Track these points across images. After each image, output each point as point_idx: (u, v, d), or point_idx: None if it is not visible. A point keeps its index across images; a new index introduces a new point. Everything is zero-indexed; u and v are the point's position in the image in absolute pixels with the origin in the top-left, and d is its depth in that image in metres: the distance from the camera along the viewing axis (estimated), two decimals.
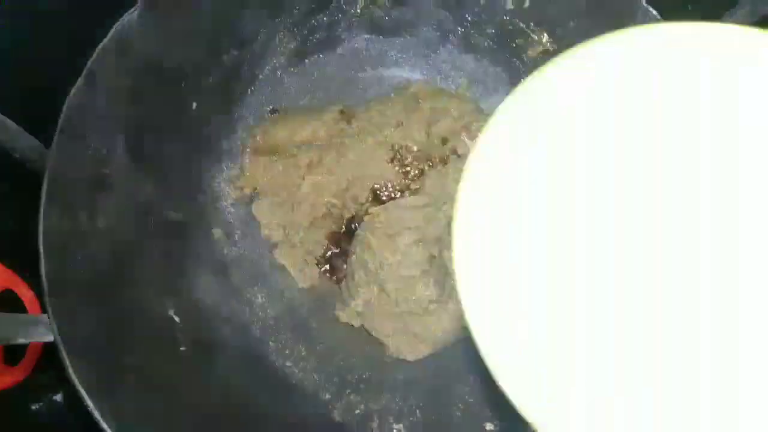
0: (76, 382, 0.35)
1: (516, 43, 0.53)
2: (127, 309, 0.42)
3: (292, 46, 0.53)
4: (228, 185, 0.52)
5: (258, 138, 0.52)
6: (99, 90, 0.42)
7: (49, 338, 0.36)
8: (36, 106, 0.41)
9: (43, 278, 0.36)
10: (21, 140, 0.40)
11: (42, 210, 0.38)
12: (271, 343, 0.49)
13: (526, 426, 0.45)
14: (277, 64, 0.53)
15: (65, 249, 0.39)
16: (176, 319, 0.45)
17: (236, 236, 0.52)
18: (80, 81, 0.41)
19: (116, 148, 0.44)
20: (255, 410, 0.45)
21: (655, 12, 0.45)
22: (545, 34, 0.51)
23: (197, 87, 0.49)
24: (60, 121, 0.40)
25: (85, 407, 0.35)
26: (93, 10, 0.43)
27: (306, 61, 0.54)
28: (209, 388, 0.44)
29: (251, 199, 0.52)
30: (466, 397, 0.48)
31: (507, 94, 0.54)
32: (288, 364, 0.49)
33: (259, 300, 0.50)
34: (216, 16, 0.48)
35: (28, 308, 0.52)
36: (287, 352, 0.49)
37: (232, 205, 0.52)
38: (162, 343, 0.43)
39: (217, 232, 0.51)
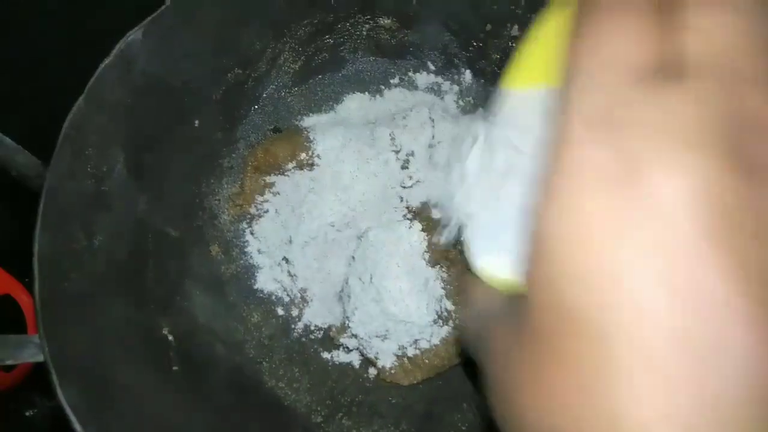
0: (65, 404, 0.35)
1: None
2: (120, 328, 0.42)
3: (297, 66, 0.53)
4: (227, 202, 0.52)
5: (259, 156, 0.51)
6: (100, 107, 0.42)
7: (39, 359, 0.36)
8: (36, 124, 0.42)
9: (36, 299, 0.37)
10: (19, 158, 0.40)
11: (37, 229, 0.38)
12: (264, 363, 0.49)
13: None
14: (281, 84, 0.53)
15: (60, 268, 0.39)
16: (170, 338, 0.45)
17: (234, 254, 0.51)
18: (81, 99, 0.41)
19: (116, 165, 0.44)
20: (247, 430, 0.45)
21: None
22: None
23: (200, 105, 0.49)
24: (60, 139, 0.40)
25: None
26: (97, 28, 0.43)
27: (310, 81, 0.54)
28: (200, 408, 0.43)
29: (251, 217, 0.52)
30: (459, 424, 0.48)
31: None
32: (281, 385, 0.49)
33: (255, 319, 0.50)
34: (221, 35, 0.48)
35: (25, 313, 0.53)
36: (281, 372, 0.49)
37: (230, 222, 0.52)
38: (154, 363, 0.43)
39: (215, 249, 0.51)
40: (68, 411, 0.35)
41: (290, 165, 0.51)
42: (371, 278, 0.48)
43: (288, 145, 0.51)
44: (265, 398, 0.48)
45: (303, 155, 0.51)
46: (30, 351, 0.36)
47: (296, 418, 0.48)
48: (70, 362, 0.37)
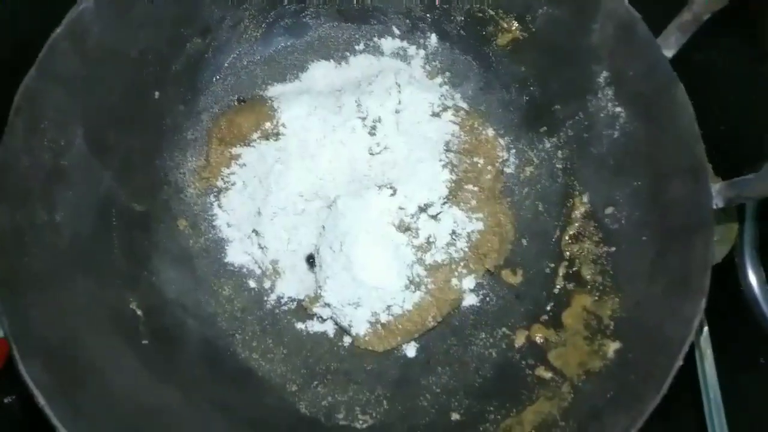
0: (28, 379, 0.34)
1: (486, 31, 0.52)
2: (86, 304, 0.41)
3: (258, 34, 0.52)
4: (193, 176, 0.51)
5: (223, 127, 0.51)
6: (53, 79, 0.41)
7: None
8: None
9: None
10: None
11: None
12: (237, 335, 0.49)
13: (491, 415, 0.45)
14: (243, 52, 0.52)
15: (20, 243, 0.38)
16: (138, 312, 0.45)
17: (202, 227, 0.51)
18: (32, 70, 0.40)
19: (74, 139, 0.43)
20: (220, 404, 0.45)
21: None
22: (515, 22, 0.50)
23: (159, 76, 0.48)
24: (11, 112, 0.39)
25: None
26: None
27: (273, 49, 0.53)
28: (172, 381, 0.43)
29: (218, 190, 0.51)
30: (433, 387, 0.48)
31: (477, 81, 0.54)
32: (254, 356, 0.48)
33: (226, 292, 0.50)
34: (178, 3, 0.47)
35: None
36: (254, 344, 0.49)
37: (197, 195, 0.51)
38: (123, 337, 0.43)
39: (182, 224, 0.50)
40: (31, 386, 0.34)
41: (255, 135, 0.51)
42: (341, 246, 0.48)
43: (252, 115, 0.51)
44: (238, 370, 0.48)
45: (268, 125, 0.50)
46: None
47: (271, 388, 0.48)
48: (33, 338, 0.36)
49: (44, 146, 0.41)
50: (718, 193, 0.41)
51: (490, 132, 0.52)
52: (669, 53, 0.43)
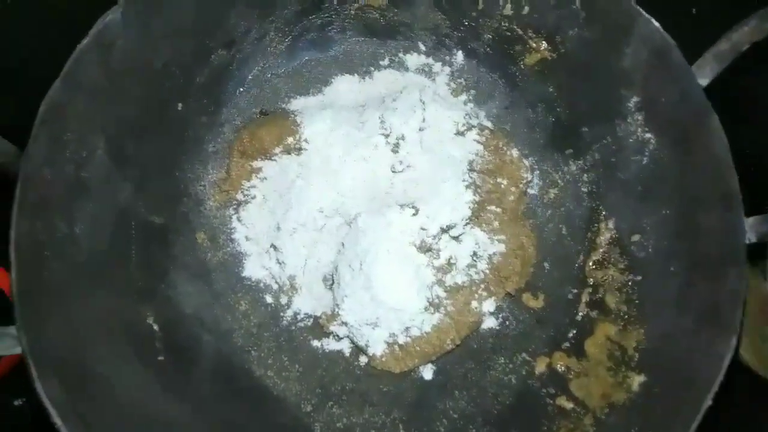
0: (44, 397, 0.34)
1: (514, 50, 0.51)
2: (103, 318, 0.41)
3: (283, 47, 0.51)
4: (213, 188, 0.51)
5: (245, 140, 0.50)
6: (78, 91, 0.41)
7: (17, 351, 0.35)
8: (12, 109, 0.40)
9: (14, 289, 0.35)
10: None
11: (14, 217, 0.37)
12: (253, 352, 0.48)
13: None
14: (267, 65, 0.52)
15: (39, 257, 0.38)
16: (155, 327, 0.44)
17: (220, 241, 0.50)
18: (58, 82, 0.40)
19: (96, 150, 0.42)
20: (234, 422, 0.44)
21: (656, 23, 0.44)
22: (544, 42, 0.49)
23: (183, 88, 0.48)
24: (35, 123, 0.39)
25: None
26: (73, 7, 0.41)
27: (297, 62, 0.52)
28: (187, 399, 0.43)
29: (238, 204, 0.51)
30: (451, 412, 0.47)
31: (503, 100, 0.53)
32: (270, 374, 0.48)
33: (242, 307, 0.49)
34: (203, 15, 0.46)
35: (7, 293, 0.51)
36: (269, 361, 0.48)
37: (217, 208, 0.51)
38: (139, 353, 0.42)
39: (201, 237, 0.50)
40: (47, 404, 0.34)
41: (277, 150, 0.50)
42: (361, 265, 0.47)
43: (275, 128, 0.50)
44: (253, 388, 0.47)
45: (290, 139, 0.50)
46: (7, 343, 0.35)
47: (286, 408, 0.47)
48: (49, 354, 0.36)
49: (66, 158, 0.41)
50: (751, 227, 0.40)
51: (515, 152, 0.51)
52: (704, 81, 0.42)
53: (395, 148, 0.49)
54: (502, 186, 0.51)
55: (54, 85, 0.40)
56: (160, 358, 0.43)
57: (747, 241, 0.40)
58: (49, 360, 0.35)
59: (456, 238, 0.48)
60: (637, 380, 0.42)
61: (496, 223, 0.50)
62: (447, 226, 0.47)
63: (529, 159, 0.52)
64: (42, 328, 0.36)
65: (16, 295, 0.35)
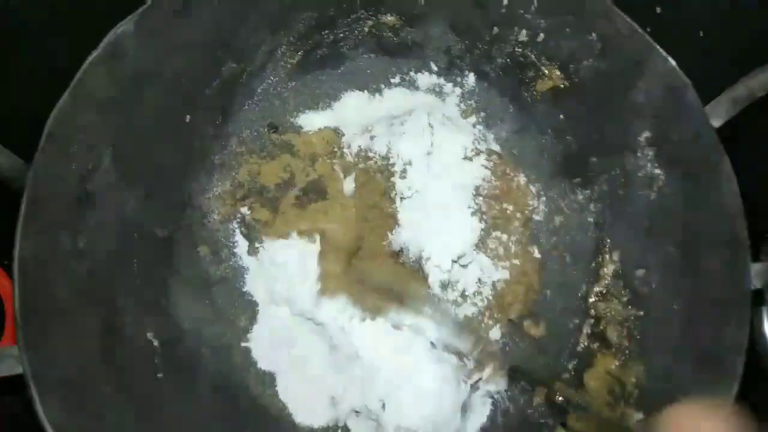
0: (45, 422, 0.33)
1: (526, 76, 0.51)
2: (104, 335, 0.40)
3: (294, 61, 0.51)
4: (218, 201, 0.50)
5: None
6: (87, 103, 0.40)
7: (18, 371, 0.35)
8: (18, 122, 0.39)
9: (16, 308, 0.35)
10: (0, 158, 0.38)
11: (18, 234, 0.36)
12: (251, 369, 0.48)
13: None
14: (277, 79, 0.51)
15: (42, 274, 0.37)
16: (155, 342, 0.44)
17: (223, 254, 0.50)
18: (66, 94, 0.39)
19: (102, 163, 0.42)
20: None
21: (672, 62, 0.44)
22: (557, 71, 0.49)
23: (192, 99, 0.47)
24: (43, 137, 0.38)
25: None
26: (84, 18, 0.40)
27: (307, 76, 0.52)
28: (186, 419, 0.42)
29: (242, 217, 0.50)
30: None
31: (513, 124, 0.53)
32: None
33: (242, 323, 0.49)
34: (216, 28, 0.46)
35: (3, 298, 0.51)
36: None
37: (220, 222, 0.50)
38: (139, 369, 0.42)
39: (204, 250, 0.49)
40: (47, 427, 0.33)
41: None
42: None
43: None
44: (253, 405, 0.47)
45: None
46: (7, 364, 0.35)
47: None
48: (50, 375, 0.35)
49: (72, 171, 0.40)
50: (757, 273, 0.40)
51: (522, 179, 0.51)
52: (717, 123, 0.42)
53: (403, 175, 0.49)
54: (508, 212, 0.51)
55: (63, 97, 0.39)
56: (160, 375, 0.43)
57: (752, 287, 0.40)
58: (50, 381, 0.35)
59: (464, 266, 0.48)
60: (635, 417, 0.42)
61: (500, 250, 0.50)
62: (458, 256, 0.47)
63: (536, 185, 0.52)
64: (44, 348, 0.36)
65: (18, 316, 0.35)
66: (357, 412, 0.46)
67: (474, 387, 0.47)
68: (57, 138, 0.39)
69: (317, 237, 0.48)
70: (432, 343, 0.46)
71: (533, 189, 0.52)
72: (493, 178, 0.50)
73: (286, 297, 0.47)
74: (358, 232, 0.48)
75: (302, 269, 0.48)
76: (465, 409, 0.46)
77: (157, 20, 0.42)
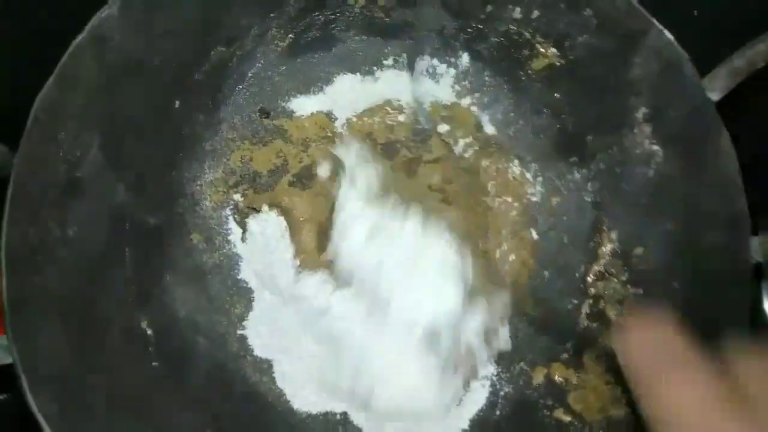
0: (37, 412, 0.33)
1: (521, 54, 0.50)
2: (96, 324, 0.40)
3: (285, 44, 0.50)
4: (210, 188, 0.49)
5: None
6: (72, 88, 0.39)
7: (7, 361, 0.34)
8: (3, 108, 0.38)
9: (4, 297, 0.34)
10: None
11: (5, 222, 0.35)
12: (248, 357, 0.47)
13: None
14: (268, 62, 0.50)
15: (31, 263, 0.37)
16: (149, 332, 0.43)
17: (216, 242, 0.49)
18: (52, 79, 0.38)
19: (90, 149, 0.41)
20: (231, 429, 0.44)
21: (669, 35, 0.43)
22: (552, 48, 0.48)
23: (181, 85, 0.46)
24: (28, 123, 0.37)
25: None
26: (70, 4, 0.40)
27: (298, 59, 0.51)
28: (182, 408, 0.42)
29: (235, 203, 0.50)
30: None
31: (507, 104, 0.52)
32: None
33: (237, 310, 0.48)
34: (204, 10, 0.45)
35: None
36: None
37: (213, 209, 0.49)
38: (132, 359, 0.41)
39: (197, 238, 0.49)
40: (40, 419, 0.33)
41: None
42: None
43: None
44: (249, 394, 0.46)
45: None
46: None
47: (284, 413, 0.46)
48: (41, 365, 0.35)
49: (60, 158, 0.39)
50: (756, 247, 0.39)
51: (517, 168, 0.51)
52: (715, 96, 0.42)
53: None
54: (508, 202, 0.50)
55: (48, 82, 0.38)
56: (155, 364, 0.42)
57: (752, 261, 0.39)
58: (41, 372, 0.35)
59: None
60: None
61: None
62: None
63: (532, 165, 0.51)
64: (34, 338, 0.35)
65: (7, 304, 0.34)
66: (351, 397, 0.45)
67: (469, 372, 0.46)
68: (43, 124, 0.38)
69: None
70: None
71: (529, 175, 0.51)
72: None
73: (268, 276, 0.47)
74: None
75: (278, 246, 0.47)
76: (459, 394, 0.45)
77: (143, 3, 0.41)
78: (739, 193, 0.40)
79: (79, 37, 0.39)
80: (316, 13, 0.49)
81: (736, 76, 0.40)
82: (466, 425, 0.46)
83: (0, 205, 0.36)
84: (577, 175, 0.50)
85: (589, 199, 0.49)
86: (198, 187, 0.49)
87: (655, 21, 0.43)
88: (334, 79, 0.52)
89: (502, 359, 0.48)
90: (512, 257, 0.50)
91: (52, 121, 0.39)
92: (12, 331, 0.34)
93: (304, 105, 0.51)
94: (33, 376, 0.34)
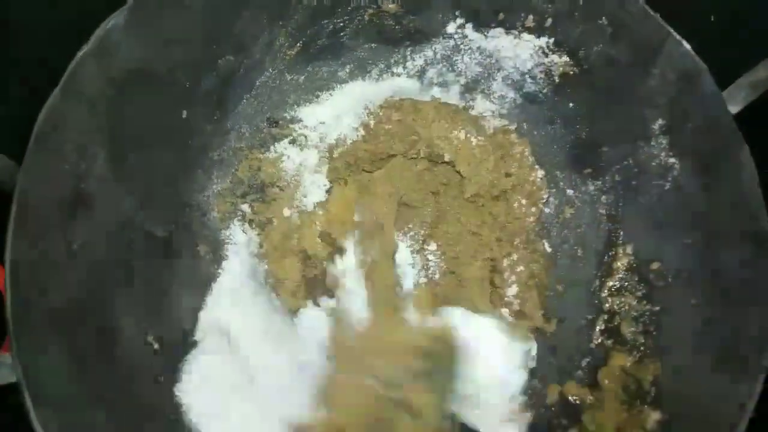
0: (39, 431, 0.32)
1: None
2: (102, 339, 0.39)
3: (293, 53, 0.49)
4: (217, 198, 0.49)
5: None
6: (78, 100, 0.39)
7: (12, 380, 0.33)
8: (8, 121, 0.38)
9: (8, 316, 0.33)
10: None
11: (9, 240, 0.35)
12: None
13: None
14: (276, 71, 0.49)
15: (35, 279, 0.36)
16: (155, 345, 0.42)
17: (223, 254, 0.48)
18: (57, 91, 0.37)
19: (96, 161, 0.40)
20: None
21: (687, 45, 0.42)
22: (566, 56, 0.47)
23: (188, 94, 0.45)
24: (32, 137, 0.37)
25: None
26: (73, 12, 0.39)
27: (307, 68, 0.50)
28: (186, 421, 0.41)
29: (242, 214, 0.49)
30: None
31: (520, 114, 0.51)
32: None
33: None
34: (211, 19, 0.44)
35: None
36: None
37: (220, 219, 0.49)
38: (138, 373, 0.41)
39: (203, 249, 0.48)
40: None
41: None
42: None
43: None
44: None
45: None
46: (2, 372, 0.33)
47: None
48: (45, 382, 0.34)
49: (65, 172, 0.38)
50: None
51: (532, 171, 0.50)
52: (734, 109, 0.40)
53: None
54: (521, 206, 0.49)
55: (53, 93, 0.37)
56: (161, 378, 0.42)
57: None
58: (45, 389, 0.34)
59: None
60: (653, 417, 0.41)
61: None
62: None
63: (546, 176, 0.50)
64: (39, 356, 0.34)
65: (11, 323, 0.34)
66: None
67: None
68: (47, 137, 0.37)
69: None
70: None
71: (540, 176, 0.50)
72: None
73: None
74: None
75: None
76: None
77: (149, 12, 0.41)
78: (759, 209, 0.38)
79: (85, 48, 0.38)
80: (325, 21, 0.48)
81: (757, 88, 0.39)
82: None
83: (4, 220, 0.35)
84: (591, 187, 0.49)
85: (604, 212, 0.48)
86: (205, 198, 0.48)
87: (672, 31, 0.42)
88: (343, 87, 0.51)
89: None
90: (520, 268, 0.48)
91: (57, 135, 0.38)
92: (17, 350, 0.33)
93: (312, 113, 0.50)
94: (37, 394, 0.33)
